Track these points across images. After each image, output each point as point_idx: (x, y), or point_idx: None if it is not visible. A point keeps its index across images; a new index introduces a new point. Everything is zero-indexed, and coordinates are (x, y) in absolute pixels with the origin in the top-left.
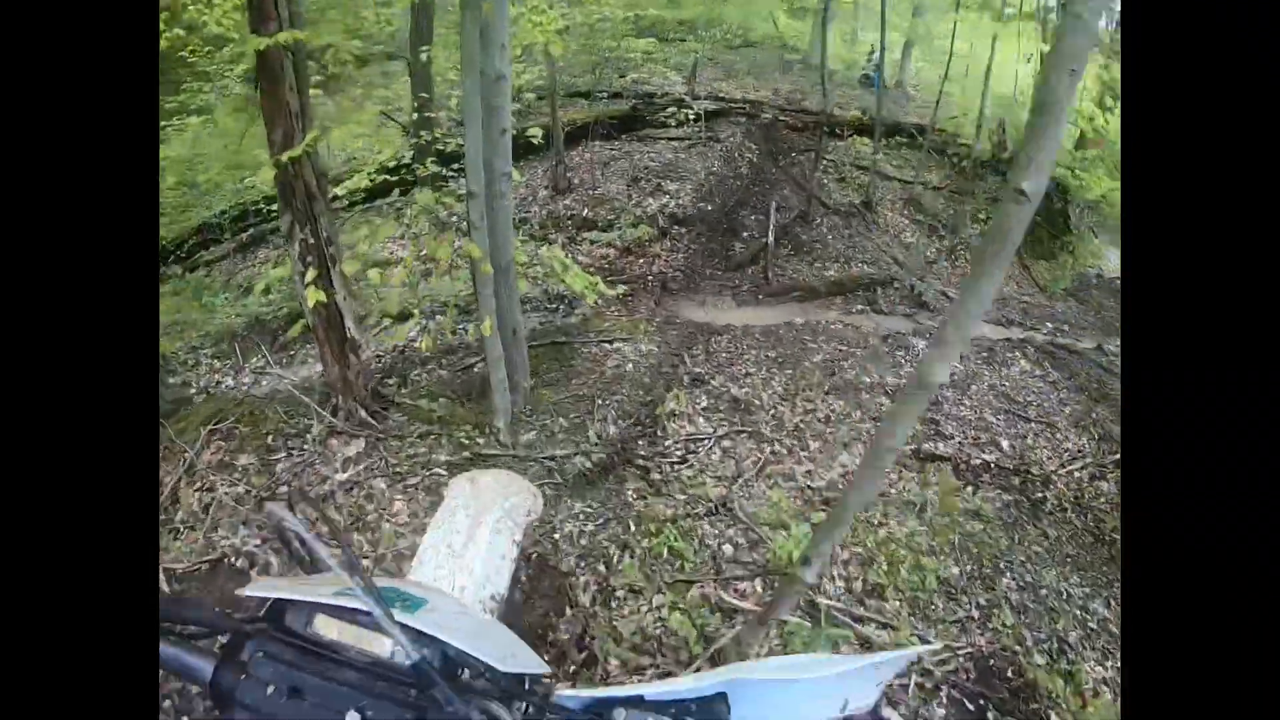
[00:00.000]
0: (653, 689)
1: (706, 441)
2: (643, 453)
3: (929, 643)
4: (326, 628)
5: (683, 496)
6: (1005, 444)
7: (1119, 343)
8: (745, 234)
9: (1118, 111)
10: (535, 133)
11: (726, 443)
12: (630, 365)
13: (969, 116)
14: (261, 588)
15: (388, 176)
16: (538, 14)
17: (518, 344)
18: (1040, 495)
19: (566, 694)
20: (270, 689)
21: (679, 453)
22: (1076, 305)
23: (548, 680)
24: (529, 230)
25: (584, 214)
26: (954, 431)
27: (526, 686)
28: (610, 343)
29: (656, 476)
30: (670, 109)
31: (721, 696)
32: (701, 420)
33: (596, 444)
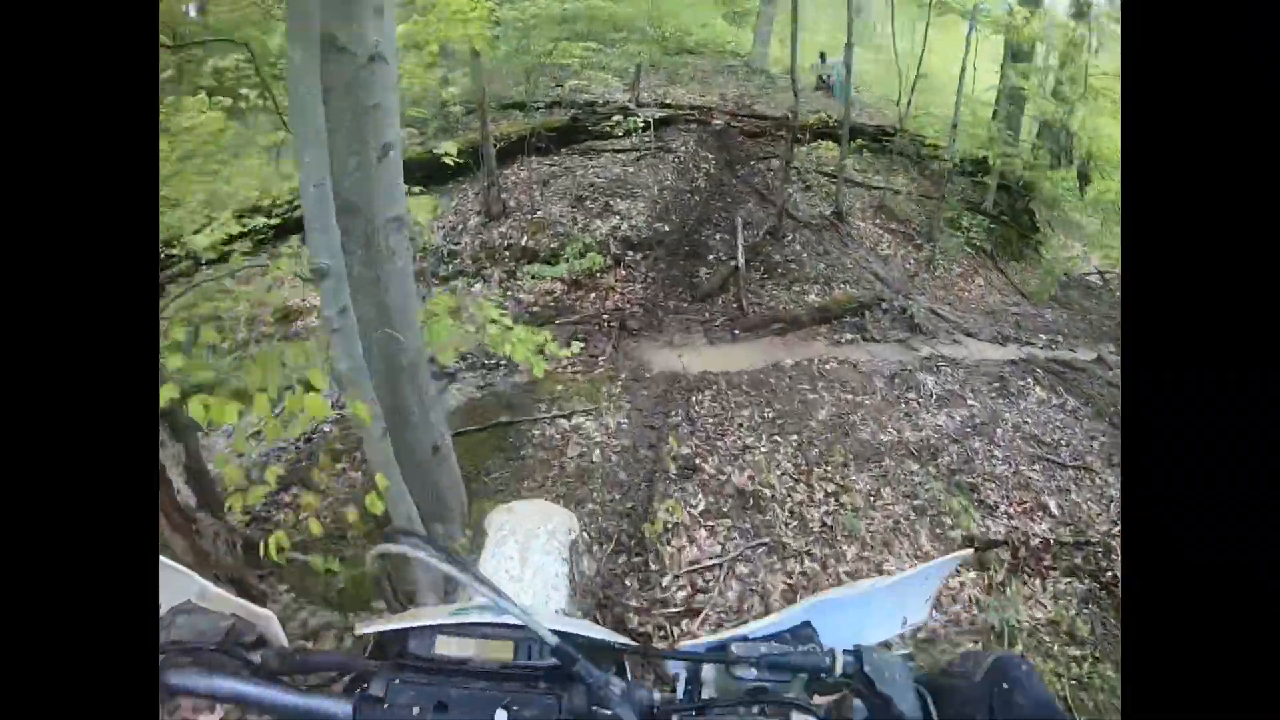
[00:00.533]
0: (752, 628)
1: (718, 571)
2: (635, 603)
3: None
4: (448, 646)
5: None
6: (1053, 505)
7: (1114, 349)
8: (710, 256)
9: (1079, 106)
10: (450, 150)
11: (743, 567)
12: (597, 451)
13: (934, 116)
14: (375, 625)
15: (267, 220)
16: None
17: (442, 460)
18: (1110, 574)
19: (687, 644)
20: (415, 709)
21: (683, 592)
22: (1062, 310)
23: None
24: (459, 265)
25: (523, 242)
26: (997, 498)
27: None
28: (568, 418)
29: (662, 644)
30: (615, 117)
31: (807, 624)
32: (704, 534)
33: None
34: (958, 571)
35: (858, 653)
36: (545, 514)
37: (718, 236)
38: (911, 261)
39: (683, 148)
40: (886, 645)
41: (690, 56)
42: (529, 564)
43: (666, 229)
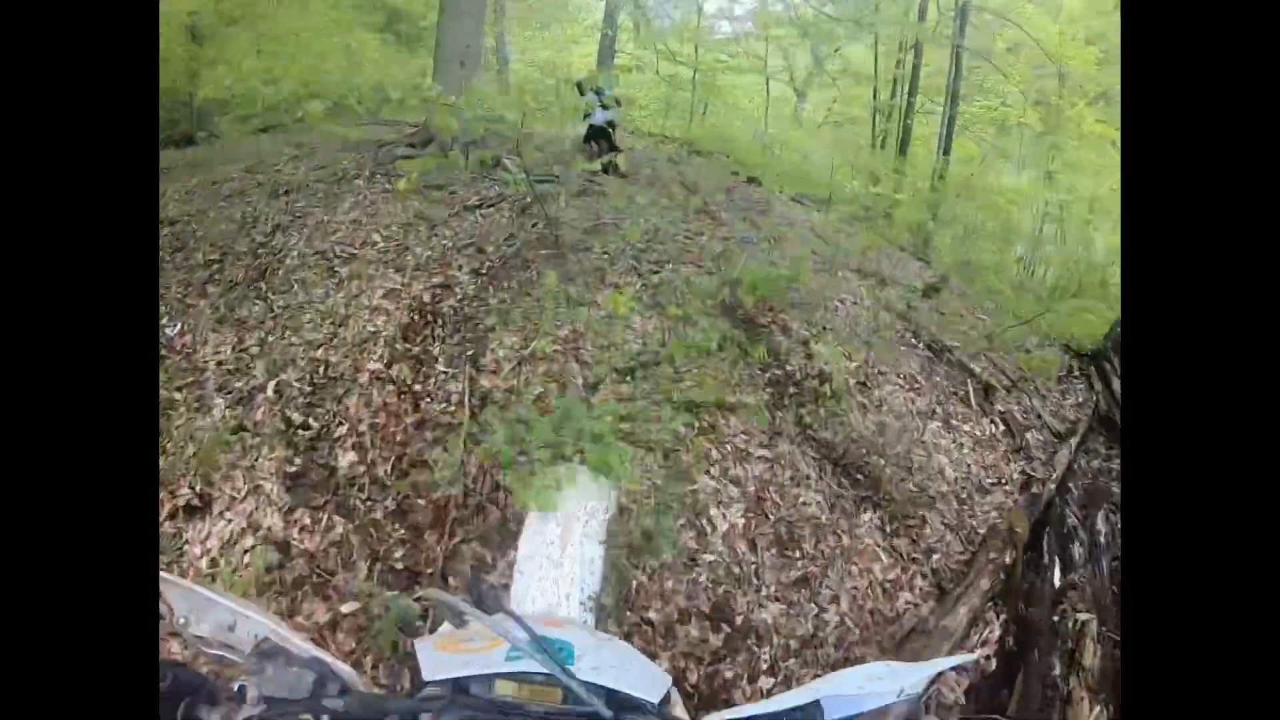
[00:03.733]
0: (757, 708)
1: None
2: None
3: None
4: (505, 689)
5: None
6: None
7: None
8: None
9: None
10: None
11: None
12: None
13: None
14: (438, 668)
15: None
16: None
17: None
18: None
19: (711, 716)
20: None
21: None
22: None
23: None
24: None
25: None
26: None
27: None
28: None
29: None
30: None
31: (816, 704)
32: None
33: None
34: None
35: None
36: (585, 495)
37: None
38: None
39: None
40: (884, 711)
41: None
42: (569, 549)
43: None
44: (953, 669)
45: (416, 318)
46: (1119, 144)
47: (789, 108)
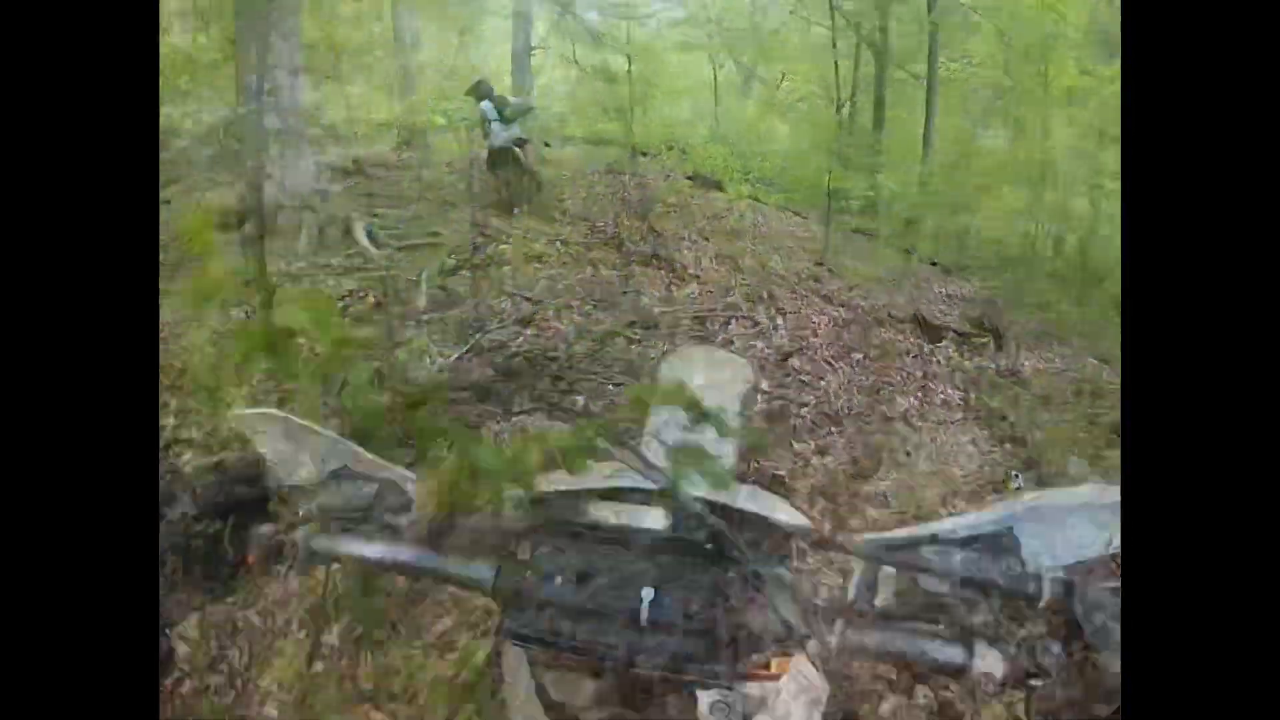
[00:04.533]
0: (947, 525)
1: None
2: None
3: None
4: (600, 511)
5: None
6: None
7: None
8: None
9: None
10: None
11: None
12: None
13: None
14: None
15: None
16: None
17: None
18: None
19: (871, 536)
20: (558, 579)
21: None
22: None
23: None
24: None
25: None
26: None
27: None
28: None
29: None
30: None
31: (1010, 531)
32: None
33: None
34: None
35: (1069, 583)
36: (718, 366)
37: None
38: None
39: None
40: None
41: None
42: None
43: None
44: None
45: None
46: (1102, 99)
47: (734, 89)
